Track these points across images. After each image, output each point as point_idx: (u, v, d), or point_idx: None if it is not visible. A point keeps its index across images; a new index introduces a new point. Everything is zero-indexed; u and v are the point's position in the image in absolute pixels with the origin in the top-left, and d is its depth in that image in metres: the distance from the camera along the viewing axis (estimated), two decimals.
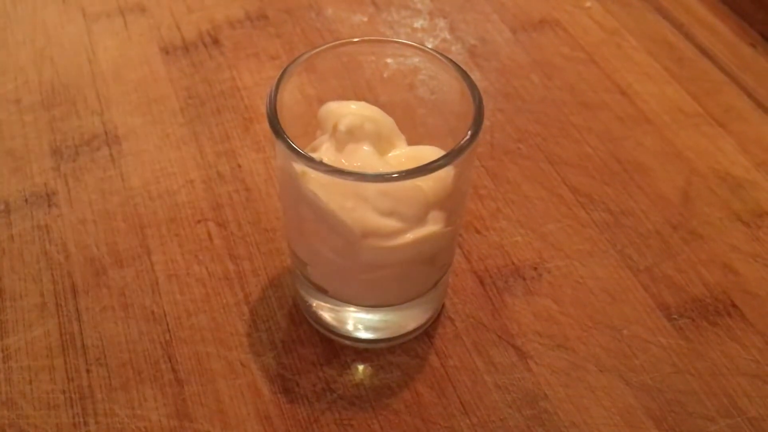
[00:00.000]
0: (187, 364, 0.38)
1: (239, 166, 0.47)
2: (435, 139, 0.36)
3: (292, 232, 0.37)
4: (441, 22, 0.58)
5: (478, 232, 0.44)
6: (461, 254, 0.43)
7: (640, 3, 0.60)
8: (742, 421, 0.36)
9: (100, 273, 0.42)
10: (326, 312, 0.38)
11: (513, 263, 0.43)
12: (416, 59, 0.36)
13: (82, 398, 0.37)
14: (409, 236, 0.33)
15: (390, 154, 0.36)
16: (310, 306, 0.39)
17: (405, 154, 0.36)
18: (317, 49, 0.35)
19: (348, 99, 0.36)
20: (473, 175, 0.47)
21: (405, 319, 0.38)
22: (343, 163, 0.33)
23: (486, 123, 0.49)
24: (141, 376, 0.38)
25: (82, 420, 0.36)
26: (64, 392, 0.37)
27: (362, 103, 0.36)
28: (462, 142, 0.32)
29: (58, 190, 0.46)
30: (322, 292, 0.37)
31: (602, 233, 0.44)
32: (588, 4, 0.60)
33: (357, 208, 0.32)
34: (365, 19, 0.58)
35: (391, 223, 0.32)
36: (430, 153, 0.34)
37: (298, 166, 0.32)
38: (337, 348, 0.39)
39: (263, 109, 0.51)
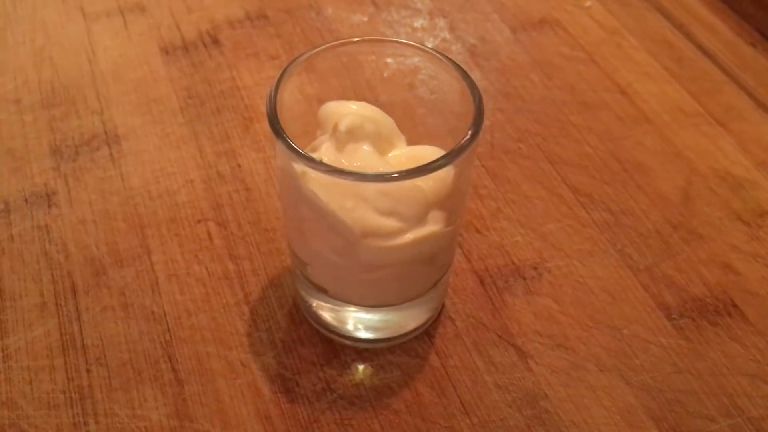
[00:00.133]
0: (188, 364, 0.38)
1: (239, 165, 0.47)
2: (435, 138, 0.36)
3: (292, 232, 0.37)
4: (441, 22, 0.58)
5: (478, 231, 0.44)
6: (461, 254, 0.43)
7: (640, 2, 0.60)
8: (742, 420, 0.36)
9: (100, 273, 0.42)
10: (326, 312, 0.38)
11: (513, 263, 0.43)
12: (416, 59, 0.36)
13: (82, 398, 0.37)
14: (409, 236, 0.33)
15: (390, 154, 0.36)
16: (310, 306, 0.39)
17: (405, 154, 0.36)
18: (317, 49, 0.35)
19: (348, 99, 0.36)
20: (473, 174, 0.47)
21: (405, 319, 0.38)
22: (343, 163, 0.33)
23: (486, 123, 0.49)
24: (141, 376, 0.38)
25: (82, 420, 0.36)
26: (64, 392, 0.37)
27: (362, 103, 0.36)
28: (462, 141, 0.32)
29: (58, 190, 0.46)
30: (322, 291, 0.37)
31: (602, 233, 0.44)
32: (588, 3, 0.60)
33: (357, 208, 0.32)
34: (365, 18, 0.58)
35: (391, 223, 0.32)
36: (430, 153, 0.34)
37: (298, 166, 0.32)
38: (338, 348, 0.39)
39: (263, 108, 0.51)
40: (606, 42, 0.56)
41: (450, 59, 0.35)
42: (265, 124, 0.41)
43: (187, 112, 0.50)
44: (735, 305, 0.41)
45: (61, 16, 0.57)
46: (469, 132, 0.32)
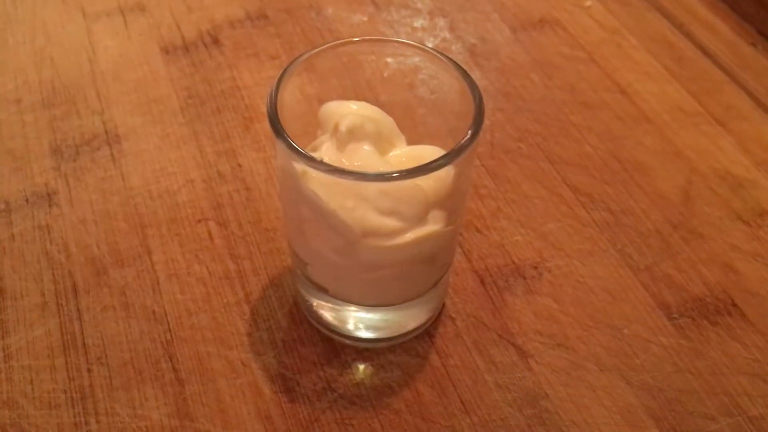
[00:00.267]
0: (188, 364, 0.38)
1: (239, 165, 0.47)
2: (435, 138, 0.36)
3: (293, 232, 0.37)
4: (441, 22, 0.58)
5: (478, 231, 0.44)
6: (461, 253, 0.43)
7: (640, 2, 0.60)
8: (742, 420, 0.36)
9: (101, 273, 0.42)
10: (327, 311, 0.38)
11: (513, 262, 0.43)
12: (416, 59, 0.36)
13: (83, 398, 0.37)
14: (410, 236, 0.33)
15: (390, 154, 0.36)
16: (311, 305, 0.39)
17: (405, 154, 0.36)
18: (317, 49, 0.35)
19: (348, 98, 0.36)
20: (473, 174, 0.47)
21: (405, 319, 0.39)
22: (344, 162, 0.33)
23: (486, 122, 0.49)
24: (142, 375, 0.38)
25: (83, 419, 0.36)
26: (65, 392, 0.37)
27: (363, 103, 0.36)
28: (462, 141, 0.32)
29: (58, 190, 0.46)
30: (323, 291, 0.37)
31: (602, 232, 0.44)
32: (588, 3, 0.60)
33: (357, 208, 0.32)
34: (365, 18, 0.58)
35: (392, 223, 0.33)
36: (430, 152, 0.34)
37: (299, 166, 0.32)
38: (338, 347, 0.39)
39: (263, 108, 0.51)
40: (606, 42, 0.56)
41: (450, 59, 0.35)
42: (266, 124, 0.41)
43: (188, 111, 0.50)
44: (735, 305, 0.41)
45: (62, 16, 0.57)
46: (469, 132, 0.32)
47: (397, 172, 0.31)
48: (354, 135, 0.34)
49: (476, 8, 0.59)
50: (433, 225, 0.33)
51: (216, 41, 0.55)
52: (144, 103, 0.51)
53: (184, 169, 0.47)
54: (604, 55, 0.55)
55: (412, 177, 0.31)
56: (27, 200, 0.45)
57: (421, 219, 0.33)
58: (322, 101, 0.36)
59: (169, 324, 0.40)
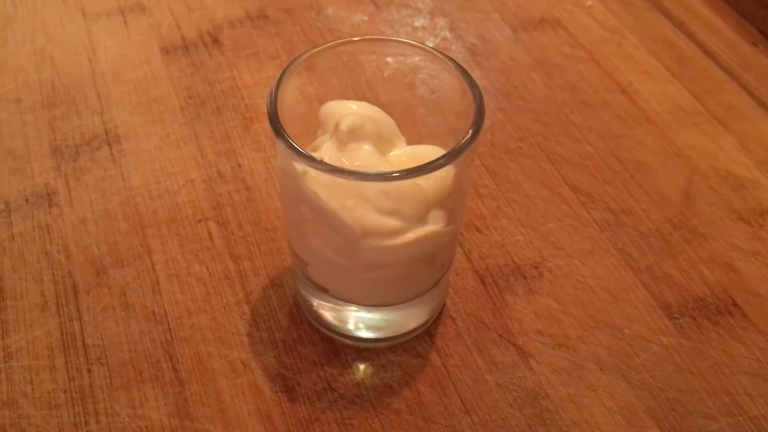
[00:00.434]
0: (188, 364, 0.38)
1: (239, 165, 0.47)
2: (435, 138, 0.36)
3: (293, 232, 0.37)
4: (441, 21, 0.58)
5: (478, 231, 0.44)
6: (462, 253, 0.43)
7: (641, 2, 0.60)
8: (743, 420, 0.36)
9: (101, 273, 0.42)
10: (327, 311, 0.38)
11: (514, 262, 0.43)
12: (416, 58, 0.36)
13: (83, 398, 0.37)
14: (410, 235, 0.33)
15: (391, 154, 0.36)
16: (311, 305, 0.39)
17: (406, 154, 0.36)
18: (317, 49, 0.35)
19: (348, 98, 0.36)
20: (474, 174, 0.47)
21: (406, 319, 0.38)
22: (344, 162, 0.33)
23: (486, 122, 0.49)
24: (142, 375, 0.38)
25: (83, 419, 0.36)
26: (65, 392, 0.37)
27: (363, 103, 0.36)
28: (462, 141, 0.32)
29: (58, 190, 0.46)
30: (323, 291, 0.37)
31: (603, 232, 0.44)
32: (588, 2, 0.60)
33: (357, 208, 0.32)
34: (365, 18, 0.58)
35: (392, 223, 0.32)
36: (430, 152, 0.34)
37: (299, 166, 0.32)
38: (338, 347, 0.39)
39: (263, 108, 0.51)
40: (607, 41, 0.56)
41: (450, 58, 0.35)
42: (266, 124, 0.40)
43: (188, 111, 0.50)
44: (736, 304, 0.41)
45: (62, 16, 0.57)
46: (470, 131, 0.32)
47: (397, 172, 0.31)
48: (354, 135, 0.34)
49: (477, 8, 0.59)
50: (434, 225, 0.33)
51: (216, 41, 0.55)
52: (144, 103, 0.51)
53: (184, 169, 0.47)
54: (604, 54, 0.55)
55: (412, 177, 0.31)
56: (27, 200, 0.45)
57: (421, 219, 0.33)
58: (322, 101, 0.36)
59: (169, 324, 0.40)
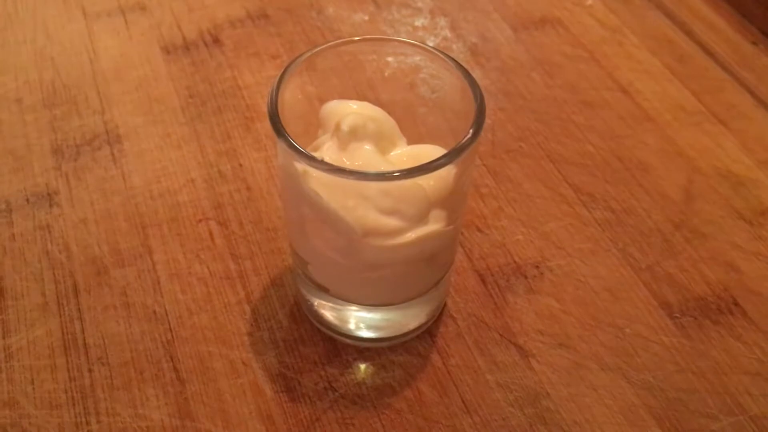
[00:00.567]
0: (189, 364, 0.38)
1: (240, 165, 0.47)
2: (436, 137, 0.36)
3: (294, 231, 0.37)
4: (442, 21, 0.58)
5: (479, 230, 0.44)
6: (463, 253, 0.43)
7: (641, 1, 0.60)
8: (744, 419, 0.36)
9: (102, 272, 0.42)
10: (328, 311, 0.38)
11: (515, 262, 0.43)
12: (417, 58, 0.36)
13: (84, 398, 0.37)
14: (411, 235, 0.33)
15: (391, 153, 0.36)
16: (312, 305, 0.39)
17: (406, 153, 0.36)
18: (318, 48, 0.35)
19: (349, 98, 0.36)
20: (474, 173, 0.47)
21: (407, 318, 0.38)
22: (345, 162, 0.33)
23: (487, 121, 0.49)
24: (143, 375, 0.38)
25: (84, 419, 0.36)
26: (66, 392, 0.37)
27: (364, 103, 0.36)
28: (463, 140, 0.32)
29: (59, 190, 0.46)
30: (324, 291, 0.37)
31: (604, 231, 0.44)
32: (589, 2, 0.60)
33: (358, 207, 0.32)
34: (366, 17, 0.58)
35: (393, 222, 0.32)
36: (431, 152, 0.34)
37: (300, 165, 0.32)
38: (339, 347, 0.39)
39: (264, 108, 0.51)
40: (607, 40, 0.56)
41: (451, 58, 0.35)
42: (266, 124, 0.41)
43: (188, 111, 0.50)
44: (737, 303, 0.41)
45: (62, 16, 0.57)
46: (471, 131, 0.32)
47: (398, 172, 0.31)
48: (355, 134, 0.34)
49: (477, 7, 0.59)
50: (435, 224, 0.33)
51: (217, 41, 0.55)
52: (145, 102, 0.51)
53: (185, 168, 0.47)
54: (605, 53, 0.55)
55: (413, 176, 0.31)
56: (28, 200, 0.45)
57: (422, 218, 0.33)
58: (323, 101, 0.36)
59: (170, 324, 0.40)
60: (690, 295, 0.41)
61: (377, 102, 0.36)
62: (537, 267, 0.42)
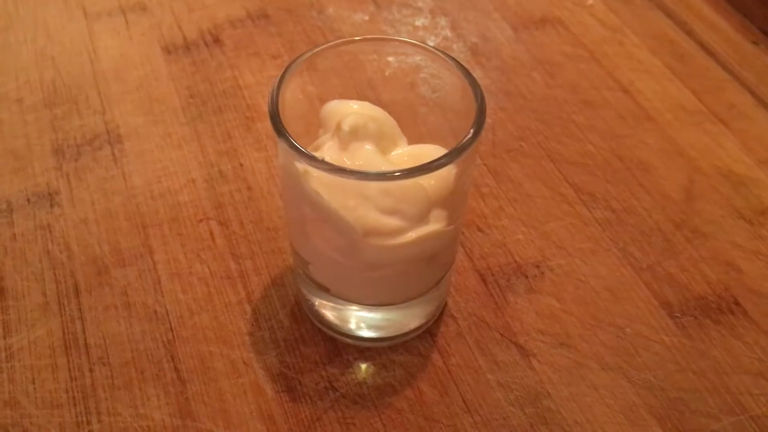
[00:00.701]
0: (190, 363, 0.38)
1: (241, 165, 0.47)
2: (437, 137, 0.36)
3: (294, 231, 0.37)
4: (442, 21, 0.58)
5: (480, 230, 0.44)
6: (463, 252, 0.43)
7: (642, 0, 0.60)
8: (745, 419, 0.36)
9: (103, 272, 0.42)
10: (328, 311, 0.38)
11: (515, 261, 0.43)
12: (418, 57, 0.36)
13: (85, 397, 0.37)
14: (411, 235, 0.33)
15: (392, 153, 0.36)
16: (313, 305, 0.39)
17: (407, 153, 0.36)
18: (318, 48, 0.35)
19: (350, 98, 0.36)
20: (475, 173, 0.47)
21: (407, 318, 0.38)
22: (346, 162, 0.33)
23: (488, 121, 0.49)
24: (144, 375, 0.38)
25: (85, 419, 0.36)
26: (67, 391, 0.37)
27: (364, 103, 0.36)
28: (464, 140, 0.32)
29: (60, 190, 0.46)
30: (325, 290, 0.37)
31: (604, 231, 0.44)
32: (590, 1, 0.60)
33: (359, 207, 0.32)
34: (366, 17, 0.58)
35: (393, 222, 0.32)
36: (431, 151, 0.34)
37: (300, 165, 0.32)
38: (340, 347, 0.39)
39: (265, 108, 0.51)
40: (608, 40, 0.56)
41: (452, 57, 0.35)
42: (267, 124, 0.41)
43: (189, 111, 0.50)
44: (738, 303, 0.41)
45: (63, 16, 0.57)
46: (471, 130, 0.32)
47: (398, 172, 0.31)
48: (356, 134, 0.34)
49: (477, 7, 0.59)
50: (435, 224, 0.33)
51: (217, 41, 0.55)
52: (145, 102, 0.51)
53: (186, 168, 0.47)
54: (605, 53, 0.55)
55: (413, 176, 0.31)
56: (28, 200, 0.45)
57: (422, 218, 0.33)
58: (323, 100, 0.36)
59: (170, 323, 0.40)
60: (691, 295, 0.41)
61: (378, 102, 0.36)
62: (537, 266, 0.42)
